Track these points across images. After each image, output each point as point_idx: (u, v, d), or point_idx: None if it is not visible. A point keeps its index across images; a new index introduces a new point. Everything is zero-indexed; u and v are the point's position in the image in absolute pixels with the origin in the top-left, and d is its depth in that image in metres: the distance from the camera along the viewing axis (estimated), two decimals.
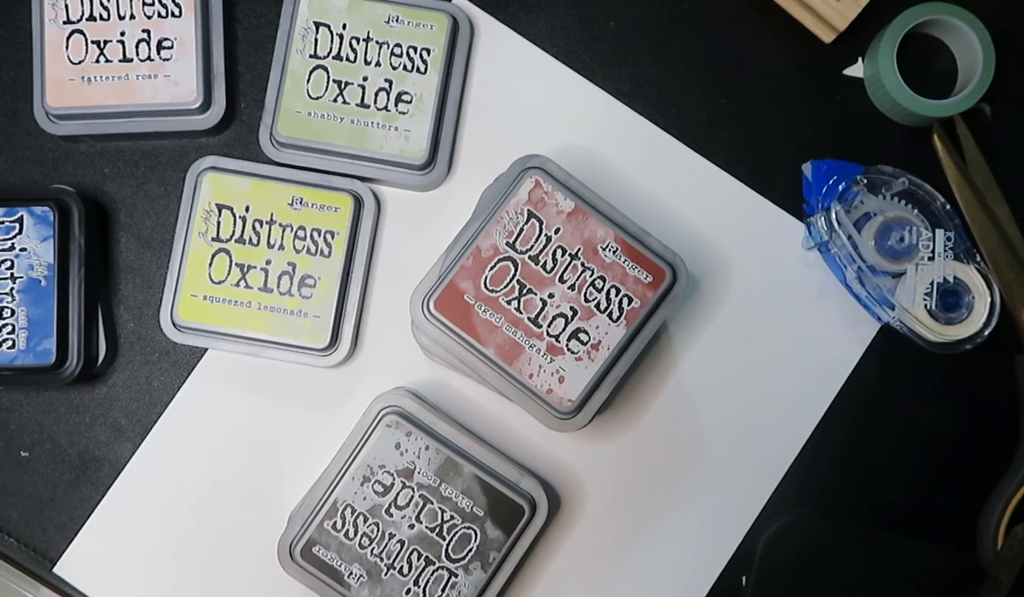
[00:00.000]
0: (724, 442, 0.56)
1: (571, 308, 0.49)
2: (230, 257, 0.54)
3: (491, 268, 0.49)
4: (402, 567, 0.51)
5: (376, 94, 0.55)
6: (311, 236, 0.54)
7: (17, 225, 0.53)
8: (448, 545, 0.51)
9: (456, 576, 0.51)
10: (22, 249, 0.53)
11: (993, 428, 0.56)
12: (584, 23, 0.58)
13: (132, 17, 0.55)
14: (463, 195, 0.56)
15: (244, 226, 0.54)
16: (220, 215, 0.54)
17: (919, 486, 0.56)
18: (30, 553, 0.55)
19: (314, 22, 0.55)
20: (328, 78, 0.55)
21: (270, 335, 0.54)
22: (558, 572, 0.55)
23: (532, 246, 0.49)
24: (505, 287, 0.49)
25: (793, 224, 0.57)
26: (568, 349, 0.49)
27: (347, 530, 0.51)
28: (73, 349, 0.53)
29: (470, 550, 0.51)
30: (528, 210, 0.49)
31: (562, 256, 0.49)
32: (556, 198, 0.49)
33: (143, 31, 0.55)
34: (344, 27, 0.55)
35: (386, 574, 0.51)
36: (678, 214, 0.57)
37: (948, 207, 0.54)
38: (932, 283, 0.54)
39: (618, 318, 0.49)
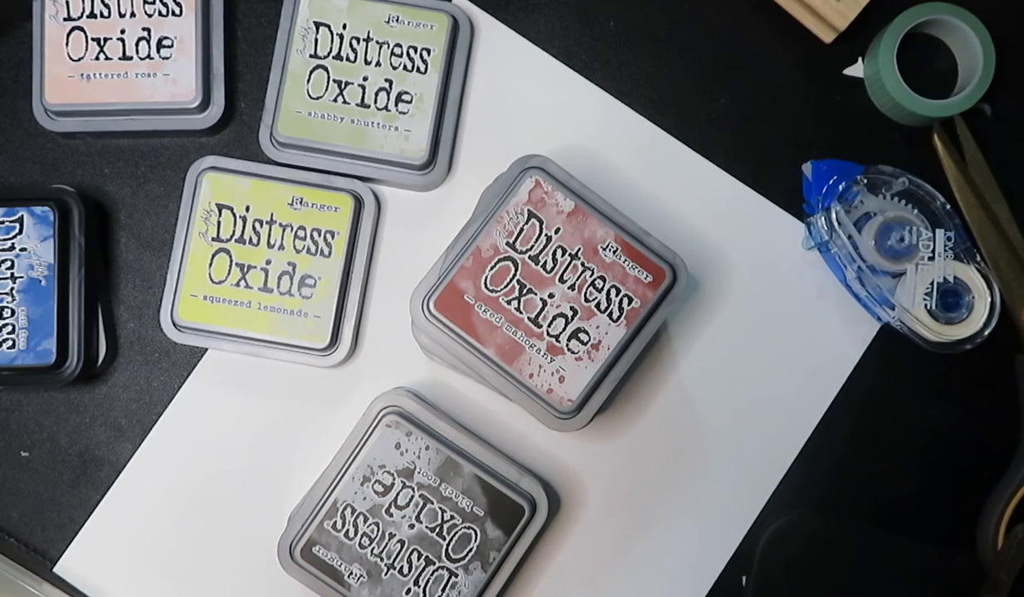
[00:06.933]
0: (724, 442, 0.56)
1: (571, 308, 0.49)
2: (230, 257, 0.54)
3: (491, 268, 0.49)
4: (402, 567, 0.51)
5: (376, 94, 0.55)
6: (311, 236, 0.54)
7: (17, 225, 0.53)
8: (448, 545, 0.51)
9: (456, 576, 0.51)
10: (22, 249, 0.53)
11: (993, 428, 0.56)
12: (584, 23, 0.58)
13: (133, 15, 0.55)
14: (463, 195, 0.56)
15: (244, 226, 0.54)
16: (220, 215, 0.54)
17: (919, 486, 0.56)
18: (30, 553, 0.55)
19: (314, 22, 0.55)
20: (328, 78, 0.55)
21: (270, 335, 0.54)
22: (558, 572, 0.55)
23: (532, 246, 0.49)
24: (505, 287, 0.49)
25: (793, 224, 0.57)
26: (568, 349, 0.49)
27: (347, 530, 0.51)
28: (73, 349, 0.53)
29: (470, 550, 0.51)
30: (528, 210, 0.49)
31: (562, 256, 0.49)
32: (556, 198, 0.49)
33: (143, 29, 0.55)
34: (344, 27, 0.55)
35: (386, 574, 0.51)
36: (678, 214, 0.57)
37: (948, 207, 0.54)
38: (932, 283, 0.54)
39: (618, 318, 0.49)
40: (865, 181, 0.54)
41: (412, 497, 0.51)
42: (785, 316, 0.57)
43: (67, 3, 0.55)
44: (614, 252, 0.49)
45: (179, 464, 0.56)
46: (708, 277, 0.57)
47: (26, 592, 0.54)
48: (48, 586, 0.55)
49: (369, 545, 0.51)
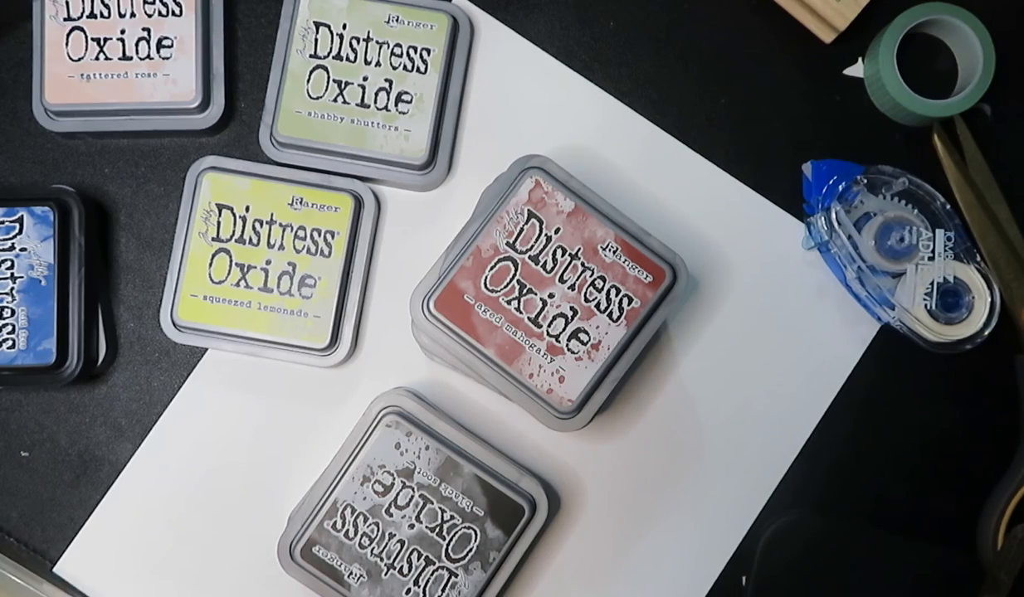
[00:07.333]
0: (724, 442, 0.56)
1: (571, 308, 0.49)
2: (230, 257, 0.54)
3: (491, 268, 0.49)
4: (402, 567, 0.51)
5: (376, 94, 0.55)
6: (311, 236, 0.54)
7: (17, 225, 0.53)
8: (448, 545, 0.51)
9: (456, 576, 0.51)
10: (22, 249, 0.53)
11: (993, 428, 0.56)
12: (584, 23, 0.58)
13: (132, 15, 0.55)
14: (463, 195, 0.56)
15: (244, 226, 0.54)
16: (220, 215, 0.54)
17: (919, 486, 0.56)
18: (30, 553, 0.55)
19: (314, 22, 0.55)
20: (328, 78, 0.55)
21: (270, 335, 0.54)
22: (558, 572, 0.55)
23: (532, 246, 0.49)
24: (505, 287, 0.49)
25: (793, 224, 0.57)
26: (568, 349, 0.49)
27: (347, 530, 0.51)
28: (73, 349, 0.53)
29: (470, 550, 0.51)
30: (528, 210, 0.49)
31: (562, 256, 0.49)
32: (556, 198, 0.49)
33: (143, 29, 0.55)
34: (344, 27, 0.55)
35: (386, 574, 0.51)
36: (678, 214, 0.57)
37: (948, 207, 0.54)
38: (932, 283, 0.54)
39: (618, 318, 0.49)
40: (865, 181, 0.54)
41: (412, 497, 0.51)
42: (785, 316, 0.57)
43: (67, 3, 0.55)
44: (614, 252, 0.49)
45: (179, 464, 0.56)
46: (708, 277, 0.57)
47: (26, 592, 0.54)
48: (48, 586, 0.55)
49: (369, 545, 0.51)
